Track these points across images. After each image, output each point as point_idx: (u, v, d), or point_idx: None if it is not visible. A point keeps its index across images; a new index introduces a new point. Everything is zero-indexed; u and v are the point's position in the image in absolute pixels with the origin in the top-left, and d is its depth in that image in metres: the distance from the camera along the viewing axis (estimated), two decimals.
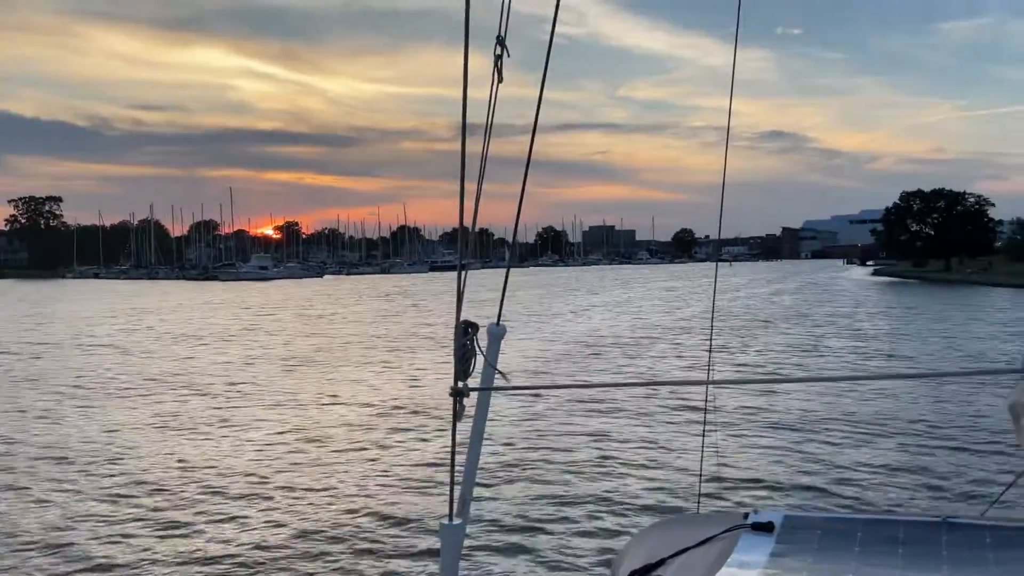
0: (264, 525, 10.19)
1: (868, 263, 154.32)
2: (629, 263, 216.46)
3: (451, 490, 2.63)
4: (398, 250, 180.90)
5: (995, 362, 24.36)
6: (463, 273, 2.70)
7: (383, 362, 26.49)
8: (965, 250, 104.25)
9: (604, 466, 12.55)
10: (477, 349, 2.64)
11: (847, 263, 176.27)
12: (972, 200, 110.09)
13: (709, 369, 7.29)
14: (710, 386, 8.02)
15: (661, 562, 2.73)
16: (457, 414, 2.66)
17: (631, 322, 41.24)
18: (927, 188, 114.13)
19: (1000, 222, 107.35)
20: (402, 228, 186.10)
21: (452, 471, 2.65)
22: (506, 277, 3.29)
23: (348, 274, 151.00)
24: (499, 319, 2.77)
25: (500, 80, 2.70)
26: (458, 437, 2.65)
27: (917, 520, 3.15)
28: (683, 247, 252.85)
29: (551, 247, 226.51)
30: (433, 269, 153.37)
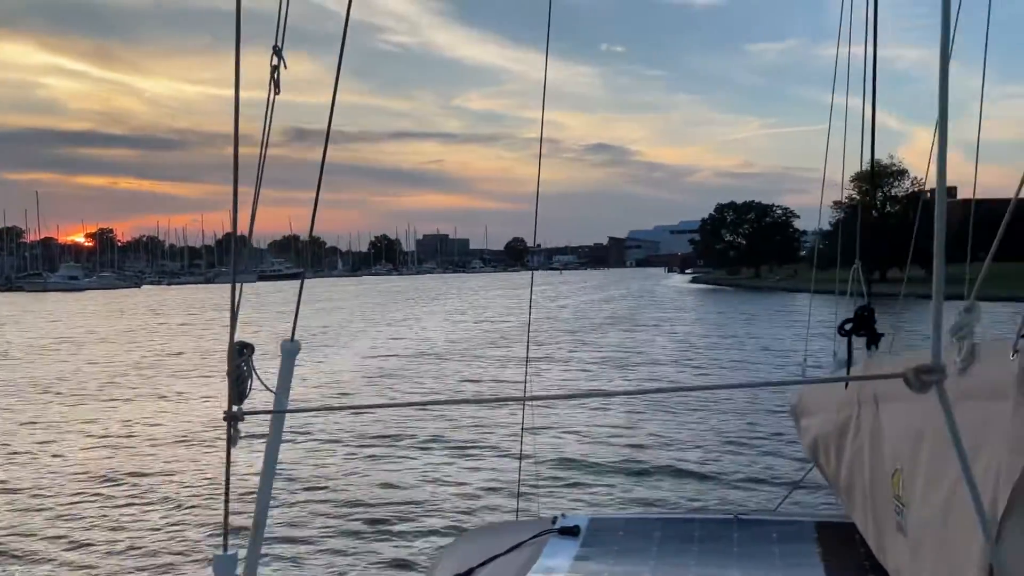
0: None
1: (687, 271, 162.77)
2: (463, 271, 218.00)
3: (225, 520, 2.50)
4: (223, 259, 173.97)
5: (787, 361, 26.11)
6: (237, 288, 2.57)
7: (170, 385, 24.25)
8: (774, 258, 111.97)
9: (417, 482, 12.34)
10: (252, 371, 2.52)
11: (668, 271, 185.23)
12: (779, 212, 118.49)
13: (525, 384, 7.38)
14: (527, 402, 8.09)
15: (471, 571, 2.75)
16: (232, 439, 2.53)
17: (466, 330, 41.45)
18: (739, 200, 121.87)
19: (804, 232, 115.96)
20: (228, 236, 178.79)
21: (226, 499, 2.52)
22: (300, 288, 3.15)
23: (169, 284, 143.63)
24: (293, 334, 2.66)
25: (277, 91, 2.61)
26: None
27: (711, 518, 3.34)
28: (516, 256, 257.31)
29: (385, 256, 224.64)
30: (262, 279, 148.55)
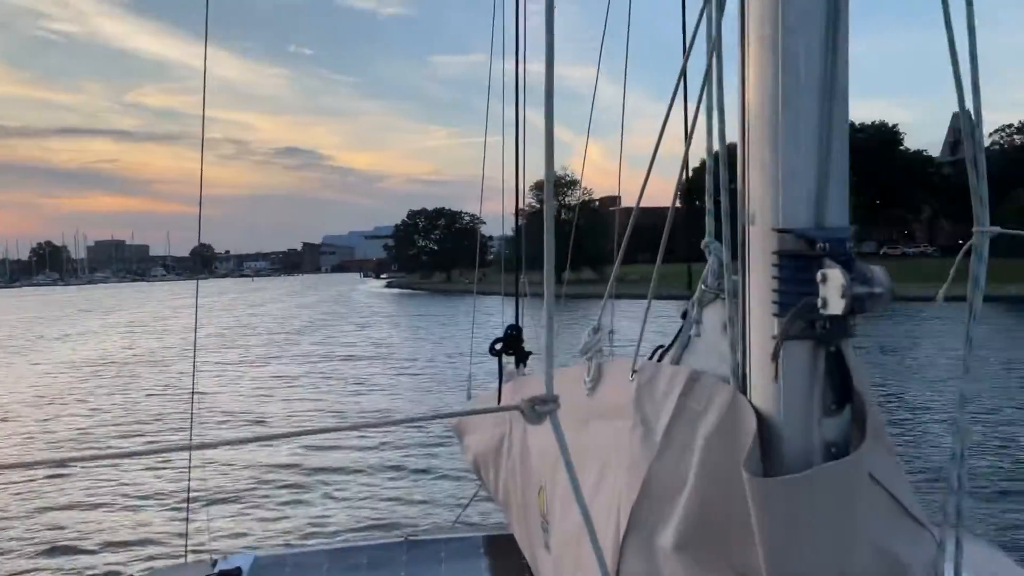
0: None
1: (383, 276, 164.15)
2: (142, 280, 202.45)
3: None
4: None
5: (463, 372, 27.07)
6: None
7: None
8: (464, 263, 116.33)
9: (80, 532, 11.27)
10: None
11: (364, 276, 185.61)
12: (468, 218, 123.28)
13: (191, 431, 6.86)
14: (193, 451, 7.47)
15: None
16: None
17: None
18: (431, 207, 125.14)
19: (491, 238, 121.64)
20: None
21: None
22: None
23: None
24: None
25: None
26: None
27: (381, 543, 3.39)
28: (203, 262, 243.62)
29: (49, 264, 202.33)
30: None
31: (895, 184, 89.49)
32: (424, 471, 13.69)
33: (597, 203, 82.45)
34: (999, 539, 8.96)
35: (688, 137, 1.75)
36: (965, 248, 1.40)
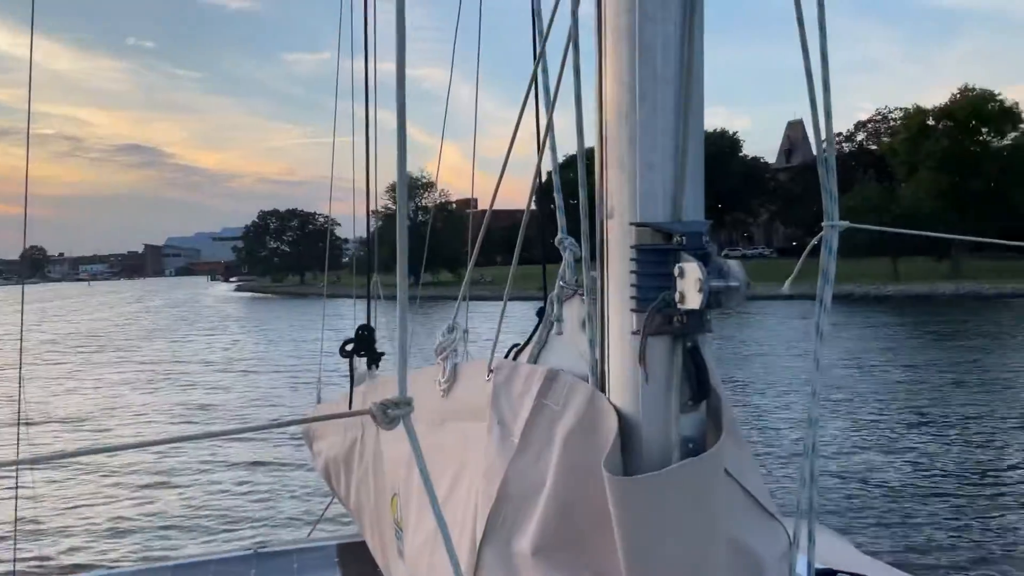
0: None
1: (232, 279, 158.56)
2: None
3: None
4: None
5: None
6: None
7: None
8: (318, 265, 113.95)
9: None
10: None
11: (212, 280, 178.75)
12: (322, 220, 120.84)
13: (18, 444, 6.35)
14: (21, 467, 6.89)
15: None
16: None
17: None
18: (283, 208, 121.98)
19: (347, 240, 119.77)
20: None
21: None
22: None
23: None
24: None
25: None
26: None
27: (229, 557, 3.27)
28: (34, 266, 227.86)
29: None
30: None
31: (735, 189, 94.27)
32: (277, 479, 13.28)
33: (454, 205, 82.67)
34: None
35: (543, 135, 1.72)
36: (814, 241, 1.42)
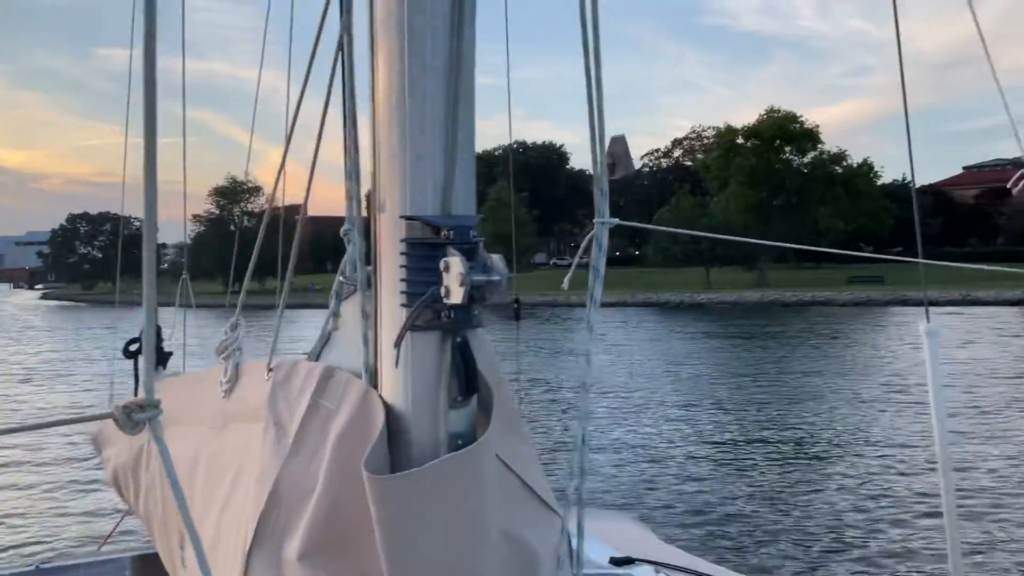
0: None
1: (37, 287, 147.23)
2: None
3: None
4: None
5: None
6: None
7: None
8: (134, 271, 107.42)
9: None
10: None
11: (15, 287, 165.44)
12: (137, 224, 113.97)
13: None
14: None
15: None
16: None
17: None
18: (95, 211, 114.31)
19: (165, 245, 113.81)
20: None
21: None
22: None
23: None
24: None
25: None
26: None
27: (8, 573, 3.05)
28: None
29: None
30: None
31: (562, 200, 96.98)
32: (71, 486, 12.45)
33: (282, 211, 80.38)
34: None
35: (322, 124, 1.69)
36: (588, 238, 1.42)
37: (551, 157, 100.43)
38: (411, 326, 1.35)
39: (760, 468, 12.86)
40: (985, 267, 3.39)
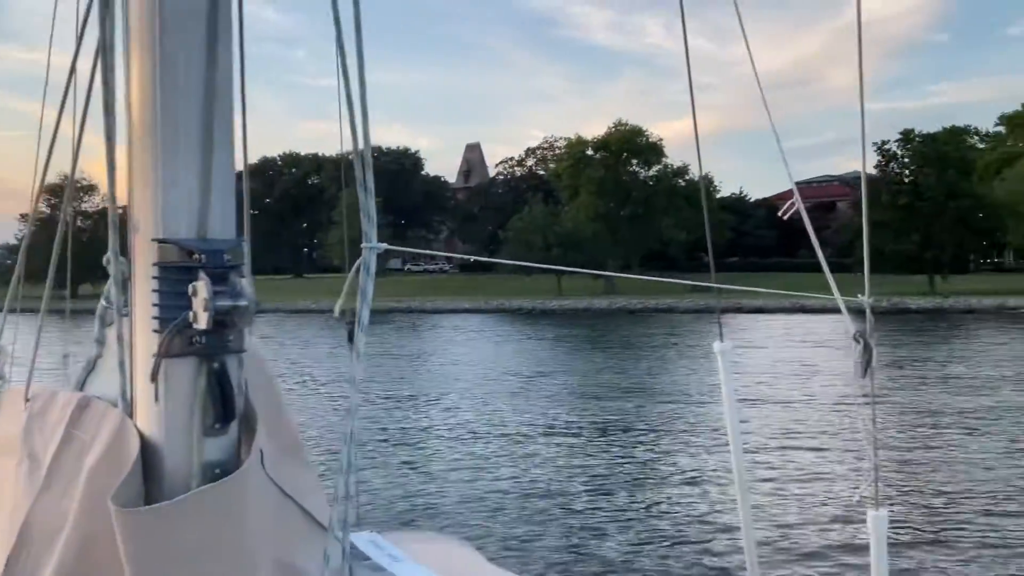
0: None
1: None
2: None
3: None
4: None
5: None
6: None
7: None
8: None
9: None
10: None
11: None
12: None
13: None
14: None
15: None
16: None
17: None
18: None
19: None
20: None
21: None
22: None
23: None
24: None
25: None
26: None
27: None
28: None
29: None
30: None
31: (417, 207, 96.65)
32: None
33: (71, 217, 76.07)
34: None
35: (77, 144, 1.64)
36: (356, 264, 1.40)
37: (405, 163, 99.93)
38: (164, 353, 1.32)
39: (584, 461, 13.25)
40: (774, 291, 3.61)
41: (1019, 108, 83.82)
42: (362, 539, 3.47)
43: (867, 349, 1.89)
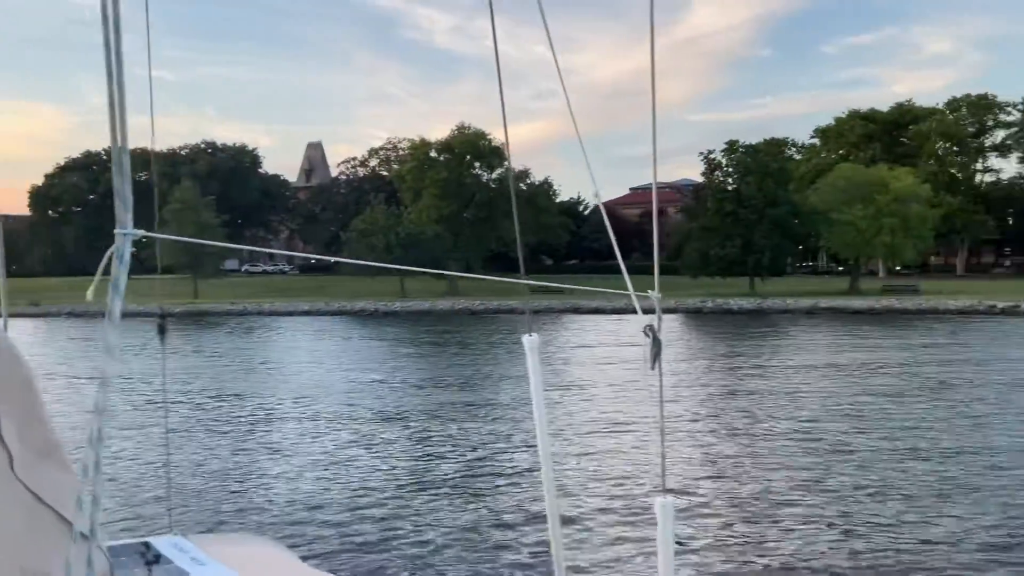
0: None
1: None
2: None
3: None
4: None
5: None
6: None
7: None
8: None
9: None
10: None
11: None
12: None
13: None
14: None
15: None
16: None
17: None
18: None
19: None
20: None
21: None
22: None
23: None
24: None
25: None
26: None
27: None
28: None
29: None
30: None
31: (255, 205, 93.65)
32: None
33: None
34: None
35: None
36: (109, 253, 1.32)
37: (243, 160, 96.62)
38: None
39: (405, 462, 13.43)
40: (576, 287, 3.81)
41: (831, 122, 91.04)
42: (164, 543, 3.33)
43: (656, 342, 1.91)
